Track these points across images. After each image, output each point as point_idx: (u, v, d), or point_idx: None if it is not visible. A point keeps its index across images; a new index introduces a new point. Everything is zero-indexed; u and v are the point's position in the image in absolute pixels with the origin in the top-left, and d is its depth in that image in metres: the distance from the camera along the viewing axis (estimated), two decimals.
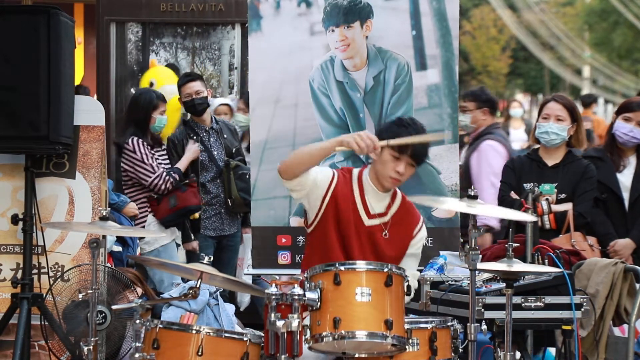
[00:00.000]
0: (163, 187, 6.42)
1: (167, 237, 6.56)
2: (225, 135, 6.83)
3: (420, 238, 4.52)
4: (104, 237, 4.40)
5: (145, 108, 6.52)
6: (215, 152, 6.73)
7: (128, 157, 6.44)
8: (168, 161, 6.62)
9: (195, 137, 6.68)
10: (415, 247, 4.49)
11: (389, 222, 4.41)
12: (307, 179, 4.31)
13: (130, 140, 6.43)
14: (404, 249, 4.43)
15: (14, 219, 5.18)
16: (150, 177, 6.40)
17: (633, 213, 5.83)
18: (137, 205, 6.44)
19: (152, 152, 6.49)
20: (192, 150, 6.62)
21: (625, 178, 5.88)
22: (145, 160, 6.41)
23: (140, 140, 6.43)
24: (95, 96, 7.49)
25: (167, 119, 6.62)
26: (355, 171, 4.48)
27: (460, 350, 3.98)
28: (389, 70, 5.72)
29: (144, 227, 6.44)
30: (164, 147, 6.69)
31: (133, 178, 6.48)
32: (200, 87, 6.74)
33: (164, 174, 6.42)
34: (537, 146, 5.82)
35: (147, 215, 6.52)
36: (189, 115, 6.87)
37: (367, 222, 4.38)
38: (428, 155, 4.48)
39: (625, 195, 5.86)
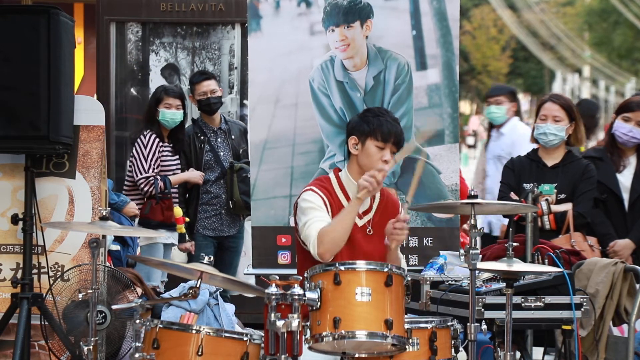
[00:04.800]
0: (145, 189, 6.47)
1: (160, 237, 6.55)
2: (233, 136, 6.83)
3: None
4: (104, 237, 4.40)
5: (150, 101, 6.64)
6: (222, 153, 6.73)
7: (138, 147, 6.50)
8: (177, 158, 6.65)
9: (202, 137, 6.70)
10: None
11: (373, 217, 4.41)
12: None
13: (147, 133, 6.51)
14: None
15: (14, 219, 5.18)
16: (141, 173, 6.45)
17: (633, 213, 5.83)
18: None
19: (162, 151, 6.52)
20: (194, 174, 6.64)
21: (625, 178, 5.87)
22: (148, 158, 6.45)
23: (156, 138, 6.50)
24: (95, 96, 7.48)
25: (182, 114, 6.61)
26: (331, 175, 4.45)
27: (461, 350, 3.97)
28: (389, 70, 5.72)
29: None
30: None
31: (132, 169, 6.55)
32: (215, 86, 6.77)
33: (152, 178, 6.44)
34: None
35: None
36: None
37: (359, 222, 4.38)
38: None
39: (625, 196, 5.85)
